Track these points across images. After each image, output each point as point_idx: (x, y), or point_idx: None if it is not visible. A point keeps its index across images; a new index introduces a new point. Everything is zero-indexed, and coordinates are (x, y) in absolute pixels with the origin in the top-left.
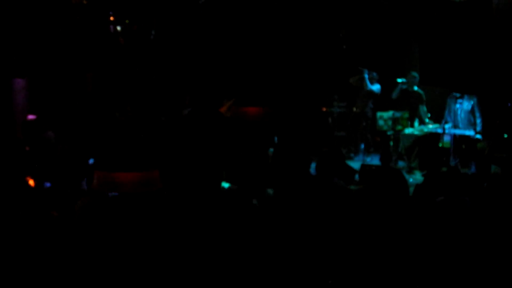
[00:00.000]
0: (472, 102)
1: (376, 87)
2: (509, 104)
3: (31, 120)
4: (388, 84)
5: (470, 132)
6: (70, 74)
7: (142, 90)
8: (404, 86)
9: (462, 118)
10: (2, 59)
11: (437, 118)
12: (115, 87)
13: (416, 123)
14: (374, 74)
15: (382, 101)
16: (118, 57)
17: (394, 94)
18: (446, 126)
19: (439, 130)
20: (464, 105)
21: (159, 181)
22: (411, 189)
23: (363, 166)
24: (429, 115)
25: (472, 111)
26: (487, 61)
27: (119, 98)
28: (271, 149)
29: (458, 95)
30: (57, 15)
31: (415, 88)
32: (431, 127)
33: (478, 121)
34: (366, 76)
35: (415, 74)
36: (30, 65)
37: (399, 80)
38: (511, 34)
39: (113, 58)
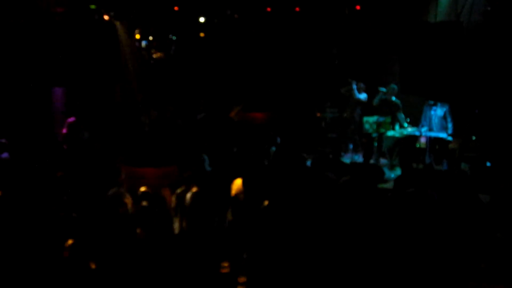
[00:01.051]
0: (444, 109)
1: (363, 96)
2: (476, 111)
3: (72, 122)
4: (372, 93)
5: (443, 135)
6: (102, 83)
7: (163, 97)
8: (384, 96)
9: (436, 123)
10: (44, 72)
11: (415, 122)
12: (140, 94)
13: (396, 127)
14: (362, 84)
15: (368, 108)
16: (143, 68)
17: (375, 101)
18: (422, 129)
19: (416, 133)
20: (438, 112)
21: (177, 175)
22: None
23: (352, 163)
24: (408, 120)
25: (444, 117)
26: (458, 74)
27: (144, 105)
28: (273, 148)
29: (432, 102)
30: (90, 34)
31: (393, 98)
32: (409, 130)
33: (450, 125)
34: (355, 87)
35: (394, 86)
36: (68, 76)
37: (381, 89)
38: (478, 51)
39: (139, 70)
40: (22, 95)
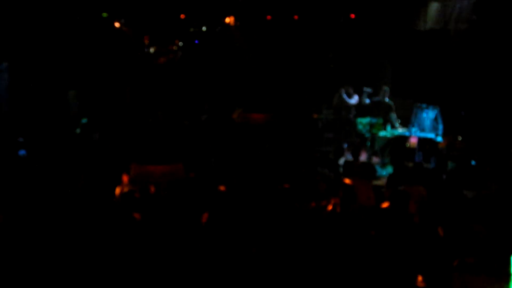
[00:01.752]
0: (436, 111)
1: (354, 100)
2: (462, 113)
3: (85, 124)
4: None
5: (431, 135)
6: (113, 87)
7: (170, 100)
8: (377, 98)
9: (428, 124)
10: (59, 77)
11: (405, 123)
12: (148, 97)
13: (388, 128)
14: (350, 89)
15: (361, 110)
16: (151, 73)
17: (364, 100)
18: (412, 130)
19: (407, 133)
20: (430, 114)
21: (183, 172)
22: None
23: (346, 161)
24: (399, 121)
25: (435, 119)
26: (446, 78)
27: (152, 107)
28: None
29: (424, 105)
30: (102, 41)
31: (386, 99)
32: (400, 131)
33: (440, 126)
34: (344, 95)
35: (386, 88)
36: (82, 80)
37: (366, 89)
38: (465, 57)
39: (147, 74)
40: (39, 97)
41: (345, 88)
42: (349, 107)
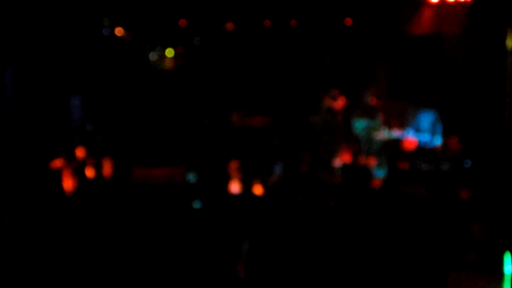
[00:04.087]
0: (435, 114)
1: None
2: (455, 115)
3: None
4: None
5: (428, 137)
6: (115, 93)
7: (171, 104)
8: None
9: (426, 125)
10: (62, 81)
11: (401, 126)
12: (150, 101)
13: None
14: (336, 92)
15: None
16: (153, 78)
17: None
18: (408, 132)
19: (402, 136)
20: (429, 116)
21: (184, 175)
22: None
23: (344, 164)
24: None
25: (435, 121)
26: (440, 81)
27: (153, 111)
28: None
29: (422, 107)
30: (104, 48)
31: None
32: (396, 133)
33: (439, 128)
34: (330, 99)
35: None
36: (84, 85)
37: None
38: (458, 60)
39: (149, 79)
40: (43, 103)
41: (330, 91)
42: (334, 110)
